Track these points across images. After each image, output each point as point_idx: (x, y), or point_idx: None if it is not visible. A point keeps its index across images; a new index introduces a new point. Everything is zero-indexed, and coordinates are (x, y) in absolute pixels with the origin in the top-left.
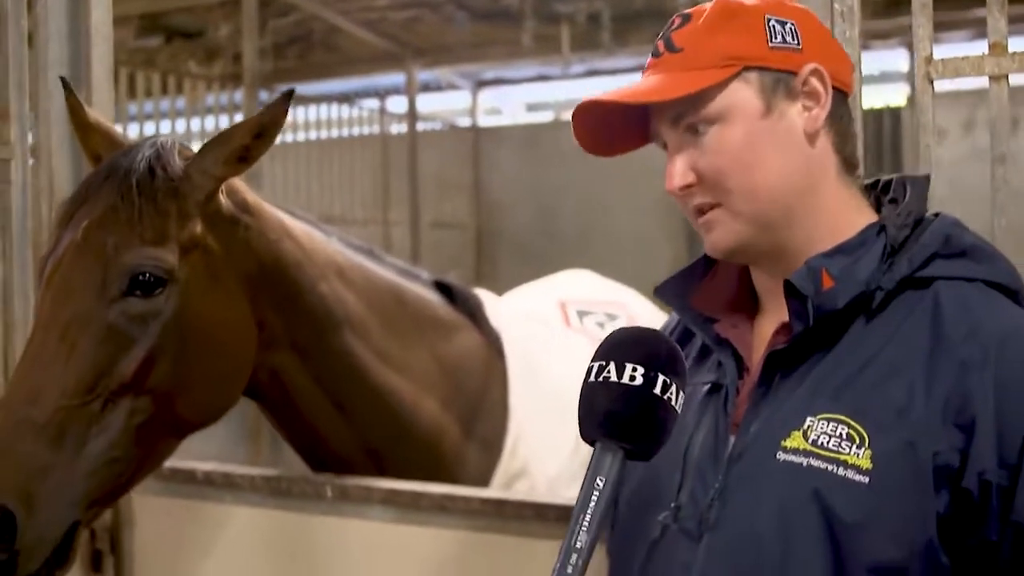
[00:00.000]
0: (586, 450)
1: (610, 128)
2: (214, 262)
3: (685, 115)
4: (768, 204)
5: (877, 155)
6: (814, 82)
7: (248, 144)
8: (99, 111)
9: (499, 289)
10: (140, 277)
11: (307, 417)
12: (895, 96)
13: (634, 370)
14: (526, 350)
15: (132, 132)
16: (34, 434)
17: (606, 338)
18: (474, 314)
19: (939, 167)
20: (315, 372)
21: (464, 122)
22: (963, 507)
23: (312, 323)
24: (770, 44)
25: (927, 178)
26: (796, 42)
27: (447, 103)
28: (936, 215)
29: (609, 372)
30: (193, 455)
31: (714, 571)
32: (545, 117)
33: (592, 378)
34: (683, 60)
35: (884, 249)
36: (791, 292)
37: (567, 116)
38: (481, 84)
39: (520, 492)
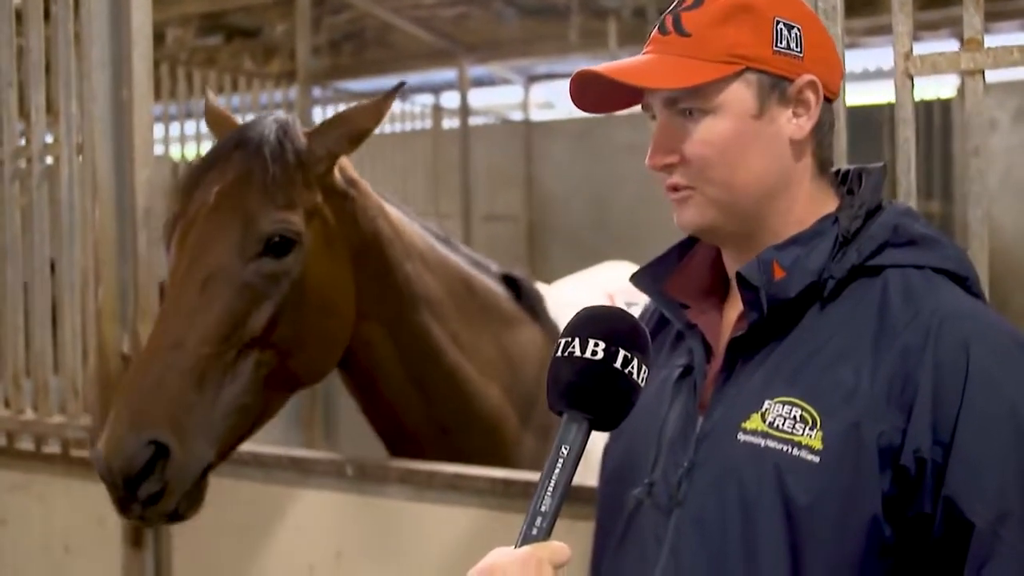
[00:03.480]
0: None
1: (599, 87)
2: (329, 230)
3: (682, 99)
4: (741, 198)
5: (928, 145)
6: (808, 93)
7: (370, 128)
8: (139, 106)
9: (551, 282)
10: (274, 240)
11: (385, 390)
12: (944, 87)
13: (596, 345)
14: None
15: (189, 129)
16: (180, 376)
17: (573, 316)
18: (535, 308)
19: (990, 157)
20: (398, 346)
21: (516, 116)
22: (902, 483)
23: (397, 298)
24: (774, 48)
25: (883, 168)
26: (799, 49)
27: (499, 98)
28: (890, 203)
29: (574, 347)
30: (256, 440)
31: (683, 544)
32: None
33: (558, 353)
34: (690, 46)
35: (836, 239)
36: (743, 284)
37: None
38: (533, 79)
39: (526, 472)
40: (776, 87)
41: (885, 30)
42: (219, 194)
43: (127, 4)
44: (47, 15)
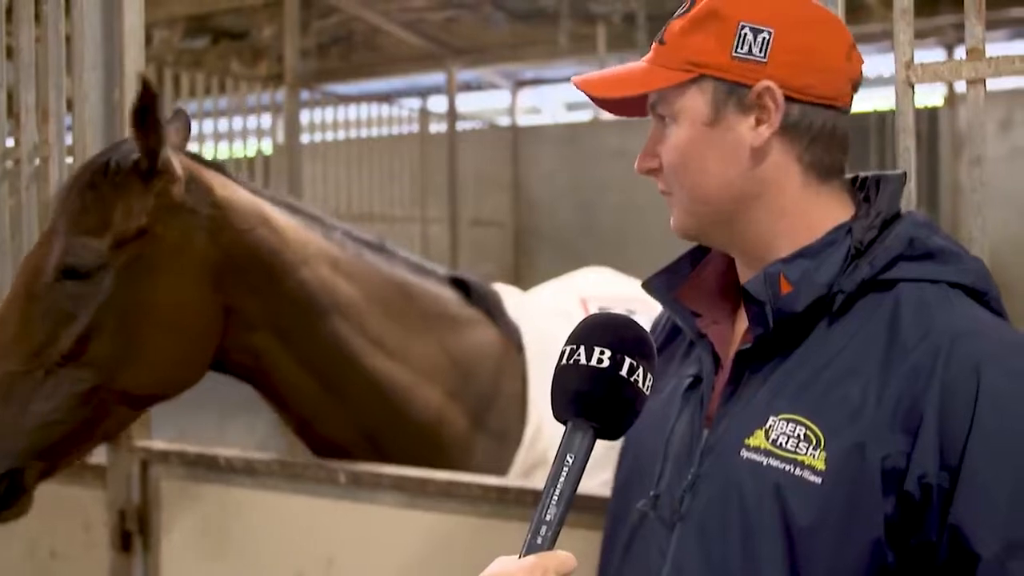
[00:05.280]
0: (608, 443)
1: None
2: (162, 250)
3: (656, 105)
4: (710, 205)
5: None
6: (766, 99)
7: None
8: (130, 108)
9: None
10: (72, 263)
11: (293, 399)
12: (932, 96)
13: (601, 353)
14: (547, 344)
15: None
16: None
17: (578, 324)
18: (491, 310)
19: (975, 166)
20: (299, 355)
21: (504, 121)
22: (906, 509)
23: (293, 307)
24: (733, 54)
25: (901, 176)
26: (762, 54)
27: (487, 102)
28: (909, 213)
29: (579, 355)
30: (235, 445)
31: (685, 559)
32: (584, 116)
33: (563, 361)
34: (663, 54)
35: (848, 251)
36: (748, 298)
37: (606, 115)
38: (520, 84)
39: (521, 480)
40: (733, 94)
41: (868, 39)
42: (53, 218)
43: (119, 5)
44: (37, 15)
